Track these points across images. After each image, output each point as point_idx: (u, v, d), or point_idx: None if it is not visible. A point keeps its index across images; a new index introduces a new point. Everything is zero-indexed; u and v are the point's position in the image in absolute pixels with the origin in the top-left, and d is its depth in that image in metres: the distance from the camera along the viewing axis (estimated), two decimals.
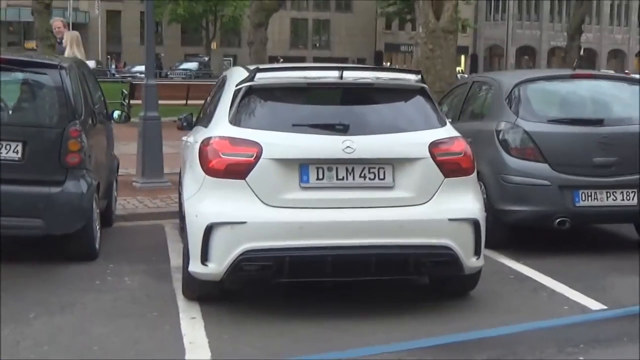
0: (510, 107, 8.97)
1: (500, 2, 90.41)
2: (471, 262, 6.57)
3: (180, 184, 10.05)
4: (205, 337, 5.97)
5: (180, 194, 10.01)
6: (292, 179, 6.30)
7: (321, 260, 6.26)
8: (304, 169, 6.31)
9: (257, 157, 6.26)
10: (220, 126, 6.60)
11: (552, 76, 9.66)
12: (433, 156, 6.49)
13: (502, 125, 8.88)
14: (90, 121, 8.50)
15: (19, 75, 8.15)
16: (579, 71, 9.85)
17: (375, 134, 6.48)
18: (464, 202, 6.61)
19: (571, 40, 55.76)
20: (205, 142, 6.54)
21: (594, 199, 8.65)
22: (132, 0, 77.85)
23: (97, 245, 8.39)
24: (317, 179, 6.32)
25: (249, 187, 6.26)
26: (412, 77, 6.92)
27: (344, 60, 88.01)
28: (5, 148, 7.70)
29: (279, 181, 6.28)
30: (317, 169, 6.32)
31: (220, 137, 6.46)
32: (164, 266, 8.13)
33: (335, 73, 6.67)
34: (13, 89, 8.12)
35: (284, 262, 6.21)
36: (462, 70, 73.78)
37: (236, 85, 6.75)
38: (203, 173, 6.42)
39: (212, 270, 6.30)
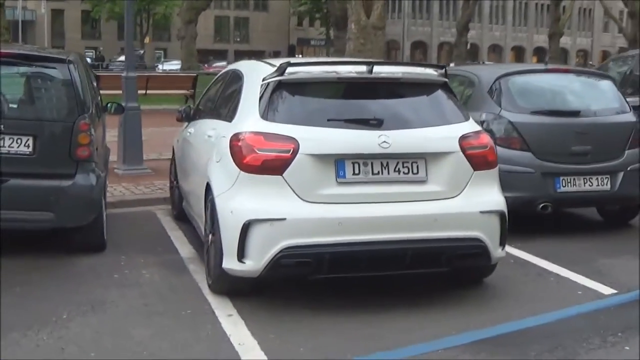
0: (493, 99, 8.27)
1: (397, 2, 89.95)
2: (497, 252, 5.86)
3: (171, 172, 9.13)
4: (251, 337, 5.08)
5: (171, 181, 9.09)
6: (328, 174, 5.44)
7: (360, 256, 5.44)
8: (340, 164, 5.46)
9: (294, 153, 5.39)
10: (250, 121, 5.68)
11: (529, 70, 8.97)
12: (463, 150, 5.73)
13: (486, 116, 8.16)
14: (95, 114, 7.47)
15: (28, 70, 7.04)
16: (551, 65, 9.19)
17: (408, 129, 5.67)
18: (492, 194, 5.88)
19: (460, 36, 56.21)
20: (236, 138, 5.62)
21: (573, 184, 8.09)
22: (75, 0, 75.59)
23: (105, 237, 7.38)
24: (354, 173, 5.48)
25: (286, 183, 5.38)
26: (435, 72, 6.11)
27: (260, 53, 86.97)
28: (17, 142, 6.66)
29: (315, 177, 5.42)
30: (354, 164, 5.48)
31: (253, 132, 5.55)
32: (174, 257, 7.18)
33: (364, 68, 5.81)
34: (22, 83, 7.03)
35: (324, 258, 5.37)
36: None
37: (263, 80, 5.83)
38: (237, 169, 5.50)
39: (249, 267, 5.41)
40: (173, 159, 9.03)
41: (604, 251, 7.60)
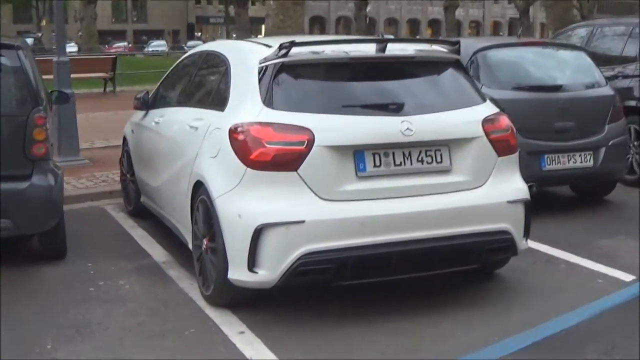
0: (471, 75, 7.65)
1: None
2: (522, 244, 5.27)
3: (122, 164, 8.21)
4: (276, 359, 4.33)
5: (123, 174, 8.17)
6: (347, 168, 4.72)
7: (387, 258, 4.74)
8: (359, 155, 4.75)
9: (310, 145, 4.64)
10: (252, 109, 4.88)
11: (503, 44, 8.38)
12: (487, 134, 5.11)
13: None
14: (48, 106, 6.51)
15: None
16: (526, 39, 8.66)
17: (430, 113, 4.99)
18: (515, 182, 5.29)
19: (359, 10, 55.75)
20: (237, 129, 4.82)
21: (557, 162, 7.64)
22: None
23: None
24: (375, 166, 4.77)
25: (302, 180, 4.63)
26: (446, 48, 5.45)
27: (159, 32, 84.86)
28: None
29: (333, 171, 4.69)
30: (374, 155, 4.77)
31: (259, 122, 4.76)
32: (148, 261, 6.33)
33: (375, 46, 5.10)
34: None
35: (348, 263, 4.65)
36: None
37: (260, 62, 5.04)
38: (242, 165, 4.72)
39: (263, 278, 4.65)
40: (125, 150, 8.09)
41: (597, 231, 7.17)
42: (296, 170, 4.63)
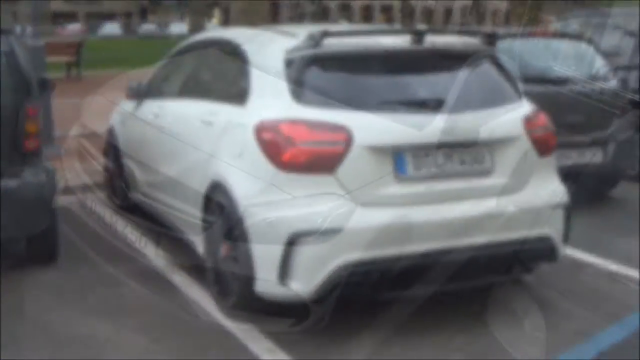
0: None
1: None
2: (561, 250, 4.88)
3: (108, 157, 7.65)
4: None
5: (107, 168, 7.62)
6: (386, 171, 4.28)
7: (431, 268, 4.31)
8: (398, 157, 4.30)
9: (348, 145, 4.18)
10: (279, 105, 4.41)
11: (513, 34, 7.97)
12: (528, 133, 4.70)
13: None
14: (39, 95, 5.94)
15: None
16: (529, 29, 8.29)
17: (471, 111, 4.57)
18: (555, 184, 4.93)
19: None
20: (265, 127, 4.35)
21: (568, 157, 7.25)
22: None
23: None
24: (415, 168, 4.33)
25: (339, 184, 4.17)
26: (482, 41, 5.02)
27: (111, 14, 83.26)
28: None
29: (373, 174, 4.25)
30: (414, 156, 4.33)
31: (290, 120, 4.29)
32: (145, 264, 5.79)
33: (410, 37, 4.65)
34: None
35: (390, 274, 4.21)
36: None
37: (287, 53, 4.56)
38: (272, 167, 4.25)
39: (296, 291, 4.18)
40: (109, 143, 7.51)
41: (611, 230, 6.87)
42: (333, 173, 4.17)
